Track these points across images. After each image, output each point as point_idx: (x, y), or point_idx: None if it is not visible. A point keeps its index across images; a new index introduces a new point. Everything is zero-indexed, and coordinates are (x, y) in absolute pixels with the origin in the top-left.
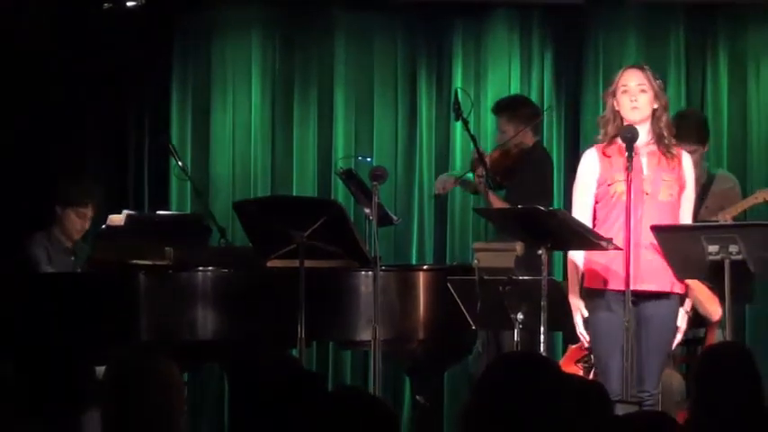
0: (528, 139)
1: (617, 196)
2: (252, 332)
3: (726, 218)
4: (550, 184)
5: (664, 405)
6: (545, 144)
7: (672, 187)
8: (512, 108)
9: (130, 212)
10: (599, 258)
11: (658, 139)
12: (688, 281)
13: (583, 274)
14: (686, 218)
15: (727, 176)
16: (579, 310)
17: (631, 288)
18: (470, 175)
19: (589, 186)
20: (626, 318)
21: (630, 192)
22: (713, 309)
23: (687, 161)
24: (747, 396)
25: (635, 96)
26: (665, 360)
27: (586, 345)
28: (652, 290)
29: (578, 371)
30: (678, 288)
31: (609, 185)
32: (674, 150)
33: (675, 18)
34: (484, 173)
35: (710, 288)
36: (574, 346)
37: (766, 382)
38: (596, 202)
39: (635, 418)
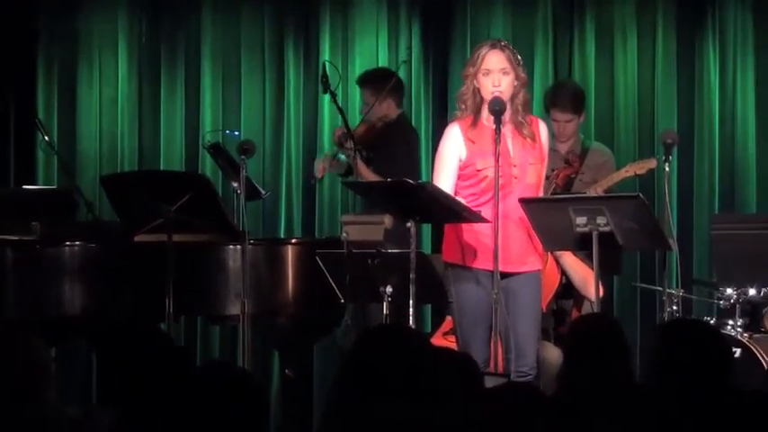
0: (392, 111)
1: (487, 182)
2: (120, 307)
3: (597, 191)
4: (417, 156)
5: (544, 378)
6: (413, 115)
7: (537, 169)
8: (375, 80)
9: None
10: (468, 235)
11: (514, 115)
12: (573, 264)
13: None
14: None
15: (602, 149)
16: None
17: (500, 270)
18: (342, 155)
19: (453, 164)
20: (495, 290)
21: (498, 163)
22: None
23: (543, 131)
24: (616, 367)
25: (498, 81)
26: (538, 332)
27: None
28: (521, 271)
29: (452, 343)
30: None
31: (478, 171)
32: (529, 125)
33: None
34: (352, 146)
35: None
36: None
37: (634, 353)
38: (459, 179)
39: (503, 390)
